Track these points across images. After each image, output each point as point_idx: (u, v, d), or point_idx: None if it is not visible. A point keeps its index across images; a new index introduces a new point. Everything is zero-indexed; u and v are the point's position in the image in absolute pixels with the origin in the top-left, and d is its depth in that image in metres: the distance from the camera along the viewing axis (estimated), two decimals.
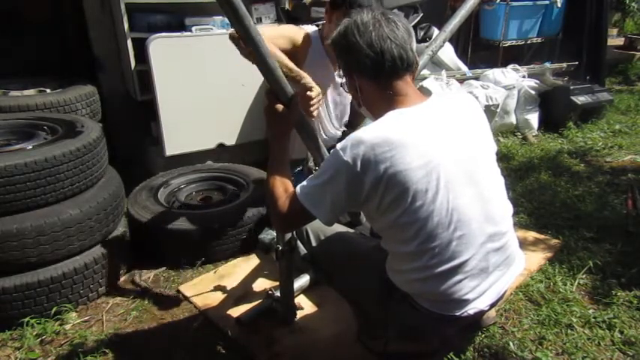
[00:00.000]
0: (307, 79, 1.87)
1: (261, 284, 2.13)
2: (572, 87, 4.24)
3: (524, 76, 4.26)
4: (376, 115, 1.29)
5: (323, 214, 1.26)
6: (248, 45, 1.29)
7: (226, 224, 2.26)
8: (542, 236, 2.47)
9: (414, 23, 4.12)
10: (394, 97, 1.27)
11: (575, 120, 4.19)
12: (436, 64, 4.28)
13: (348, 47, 1.26)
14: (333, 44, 1.33)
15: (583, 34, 5.17)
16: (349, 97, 2.19)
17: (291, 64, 1.85)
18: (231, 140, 3.10)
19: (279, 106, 1.39)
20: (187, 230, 2.21)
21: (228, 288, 2.10)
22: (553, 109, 4.20)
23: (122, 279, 2.16)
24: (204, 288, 2.11)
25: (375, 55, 1.23)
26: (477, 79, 4.27)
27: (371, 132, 1.20)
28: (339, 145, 1.22)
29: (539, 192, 2.97)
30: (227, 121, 3.05)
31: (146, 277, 2.20)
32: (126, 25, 2.75)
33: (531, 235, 2.48)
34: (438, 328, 1.39)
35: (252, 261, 2.31)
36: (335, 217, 1.28)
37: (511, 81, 4.14)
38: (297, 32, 2.07)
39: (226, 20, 2.72)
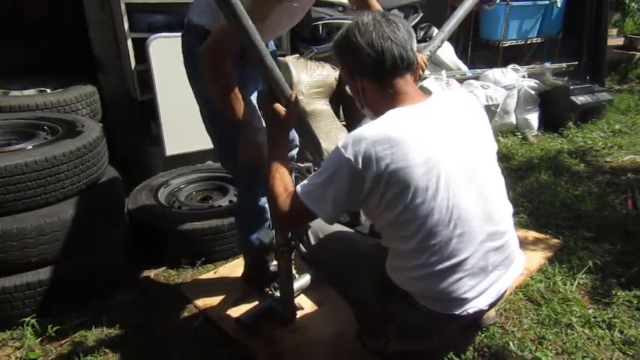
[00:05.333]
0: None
1: None
2: (572, 87, 4.24)
3: (524, 76, 4.26)
4: (378, 115, 1.30)
5: (324, 211, 1.26)
6: (245, 45, 1.29)
7: (226, 224, 2.26)
8: (542, 236, 2.46)
9: (414, 23, 4.12)
10: (395, 96, 1.28)
11: (575, 120, 4.19)
12: (436, 64, 4.28)
13: (350, 48, 1.27)
14: (334, 46, 1.34)
15: (583, 34, 5.18)
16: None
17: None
18: None
19: (278, 106, 1.40)
20: (187, 230, 2.21)
21: (228, 288, 2.10)
22: (553, 109, 4.20)
23: (122, 279, 2.16)
24: (204, 288, 2.11)
25: (375, 54, 1.24)
26: (477, 79, 4.27)
27: (372, 129, 1.21)
28: (340, 143, 1.22)
29: (539, 192, 2.97)
30: None
31: (146, 276, 2.20)
32: (126, 25, 2.74)
33: (531, 235, 2.48)
34: (438, 327, 1.39)
35: None
36: (336, 215, 1.28)
37: (511, 81, 4.14)
38: None
39: None
